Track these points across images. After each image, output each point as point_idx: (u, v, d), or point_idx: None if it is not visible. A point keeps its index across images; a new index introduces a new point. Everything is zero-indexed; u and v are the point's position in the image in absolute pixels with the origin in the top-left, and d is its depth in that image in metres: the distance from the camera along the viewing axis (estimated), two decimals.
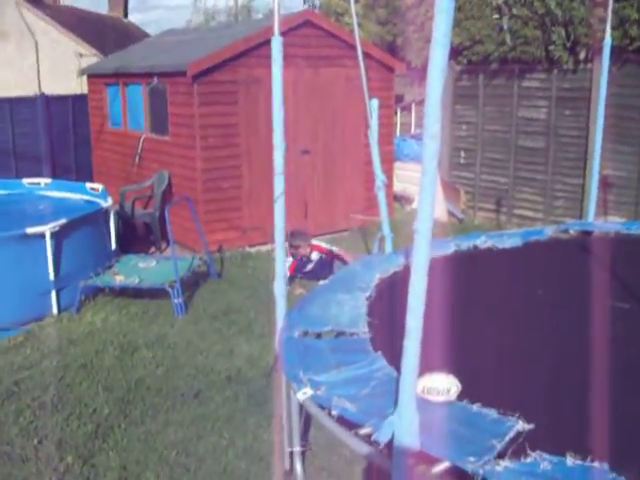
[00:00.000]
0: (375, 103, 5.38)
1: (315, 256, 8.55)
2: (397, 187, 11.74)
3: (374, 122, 5.34)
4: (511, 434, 2.63)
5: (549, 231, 5.97)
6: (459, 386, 2.95)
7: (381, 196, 5.55)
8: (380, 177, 5.47)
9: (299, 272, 8.39)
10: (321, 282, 4.68)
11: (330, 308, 4.03)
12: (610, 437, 2.68)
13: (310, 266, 8.48)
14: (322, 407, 2.92)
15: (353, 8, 5.55)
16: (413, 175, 11.40)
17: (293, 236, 8.22)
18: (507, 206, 11.17)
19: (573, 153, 10.23)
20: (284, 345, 3.56)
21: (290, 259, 8.18)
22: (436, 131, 2.00)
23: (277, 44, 3.69)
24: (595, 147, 6.54)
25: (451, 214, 11.45)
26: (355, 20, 5.51)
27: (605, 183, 9.96)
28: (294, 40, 9.03)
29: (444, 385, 2.94)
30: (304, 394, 2.98)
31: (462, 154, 11.81)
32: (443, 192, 11.49)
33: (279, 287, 4.04)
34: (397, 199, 11.84)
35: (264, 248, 9.41)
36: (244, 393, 5.54)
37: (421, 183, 2.00)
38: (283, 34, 3.73)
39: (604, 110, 6.43)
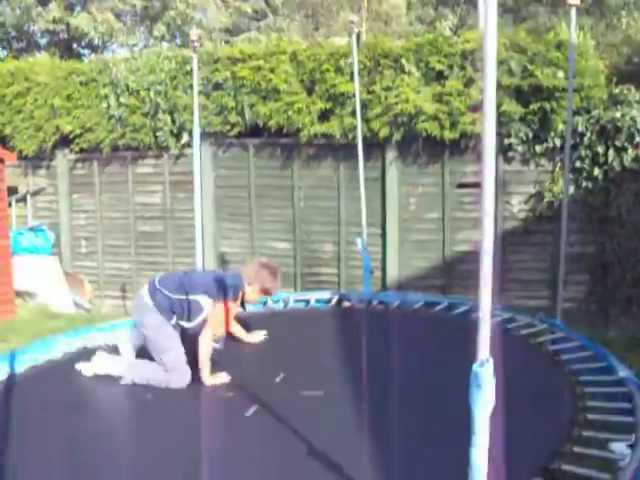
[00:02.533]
0: None
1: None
2: (18, 283, 11.01)
3: None
4: None
5: None
6: None
7: None
8: None
9: None
10: None
11: None
12: None
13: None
14: None
15: None
16: (35, 269, 10.86)
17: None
18: (132, 291, 11.06)
19: (190, 234, 10.52)
20: None
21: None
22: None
23: None
24: (196, 225, 6.91)
25: (78, 305, 11.04)
26: None
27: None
28: None
29: None
30: None
31: (83, 243, 11.53)
32: (67, 283, 11.08)
33: None
34: (20, 295, 11.11)
35: None
36: None
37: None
38: None
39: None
